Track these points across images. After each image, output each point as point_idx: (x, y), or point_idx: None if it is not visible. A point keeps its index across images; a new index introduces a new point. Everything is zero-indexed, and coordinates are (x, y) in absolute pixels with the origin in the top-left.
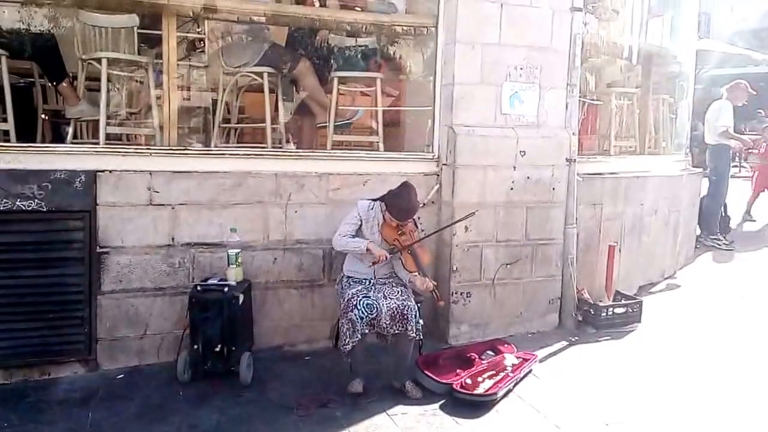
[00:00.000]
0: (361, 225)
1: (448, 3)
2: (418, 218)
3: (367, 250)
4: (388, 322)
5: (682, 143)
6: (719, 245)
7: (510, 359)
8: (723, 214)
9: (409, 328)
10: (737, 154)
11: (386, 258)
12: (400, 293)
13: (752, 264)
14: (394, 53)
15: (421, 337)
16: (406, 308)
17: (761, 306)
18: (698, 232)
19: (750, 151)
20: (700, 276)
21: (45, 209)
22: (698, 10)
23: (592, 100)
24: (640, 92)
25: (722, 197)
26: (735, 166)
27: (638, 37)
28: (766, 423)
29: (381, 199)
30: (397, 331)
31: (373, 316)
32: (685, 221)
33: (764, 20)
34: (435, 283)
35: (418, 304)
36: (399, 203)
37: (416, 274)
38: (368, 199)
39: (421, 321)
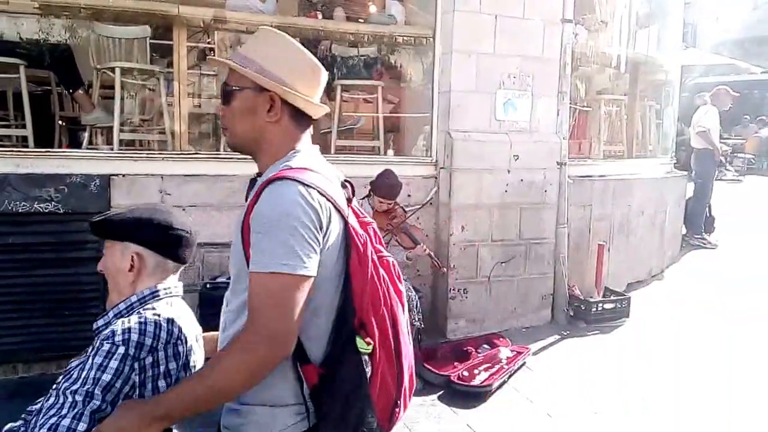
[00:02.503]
0: None
1: (445, 15)
2: (412, 214)
3: None
4: None
5: (667, 147)
6: (704, 244)
7: (505, 352)
8: (708, 215)
9: (412, 316)
10: (723, 158)
11: None
12: None
13: (735, 261)
14: (394, 62)
15: (423, 325)
16: (407, 299)
17: (742, 301)
18: (684, 231)
19: (735, 154)
20: (686, 273)
21: (61, 211)
22: (684, 21)
23: (582, 106)
24: (627, 99)
25: (707, 198)
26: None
27: (626, 47)
28: (747, 410)
29: (367, 194)
30: None
31: None
32: (670, 221)
33: (747, 31)
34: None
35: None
36: (384, 182)
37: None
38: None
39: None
